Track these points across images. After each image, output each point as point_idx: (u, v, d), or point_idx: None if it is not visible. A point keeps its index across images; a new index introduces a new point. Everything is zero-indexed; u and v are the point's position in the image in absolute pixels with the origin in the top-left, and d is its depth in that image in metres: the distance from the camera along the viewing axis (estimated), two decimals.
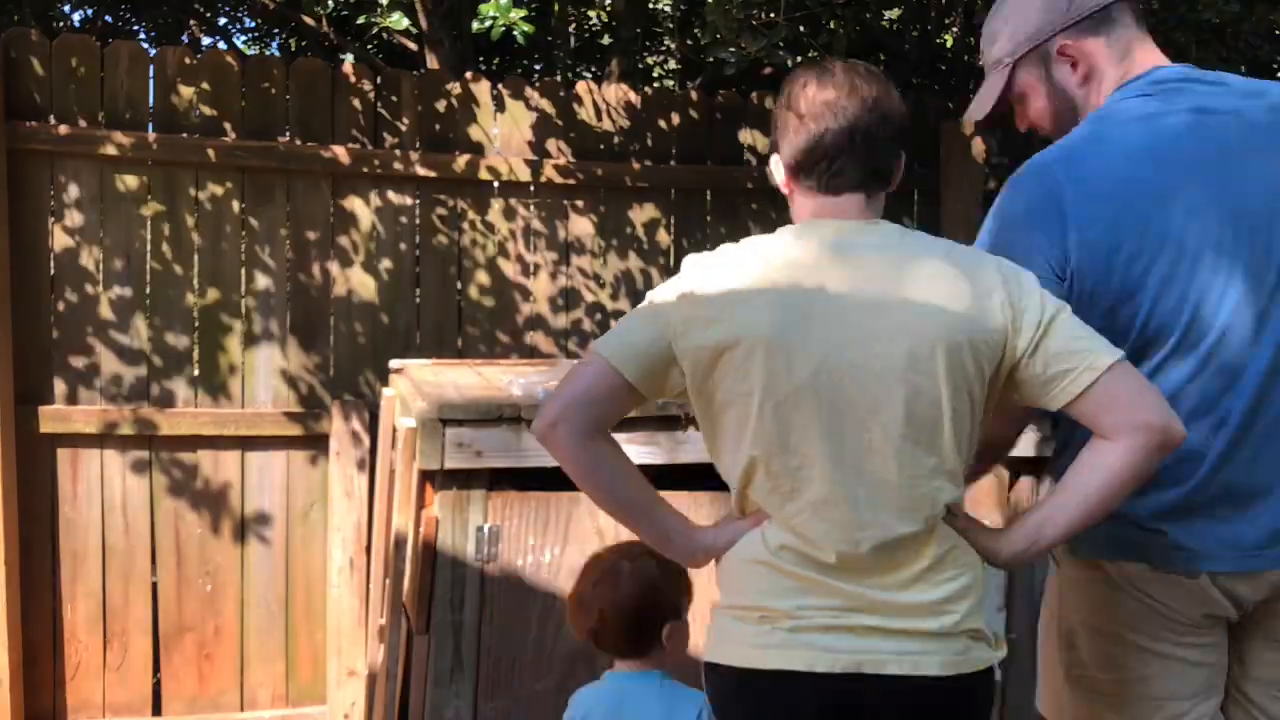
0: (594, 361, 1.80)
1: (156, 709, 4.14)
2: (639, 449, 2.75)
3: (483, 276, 4.41)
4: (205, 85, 4.13)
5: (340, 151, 4.23)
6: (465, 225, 4.40)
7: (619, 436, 2.57)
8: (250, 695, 4.23)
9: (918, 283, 1.77)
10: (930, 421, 1.75)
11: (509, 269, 4.45)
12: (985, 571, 1.83)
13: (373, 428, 4.13)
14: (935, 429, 1.75)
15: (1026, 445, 3.15)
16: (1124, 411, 1.74)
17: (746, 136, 4.68)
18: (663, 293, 1.85)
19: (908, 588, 1.76)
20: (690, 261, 1.88)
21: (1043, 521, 1.79)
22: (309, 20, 5.48)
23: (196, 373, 4.16)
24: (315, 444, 4.22)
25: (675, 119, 4.61)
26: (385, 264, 4.31)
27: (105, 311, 4.07)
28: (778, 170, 1.89)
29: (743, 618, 1.80)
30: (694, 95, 4.69)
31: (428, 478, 2.73)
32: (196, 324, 4.16)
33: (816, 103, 1.82)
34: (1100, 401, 1.75)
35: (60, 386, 4.03)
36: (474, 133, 4.41)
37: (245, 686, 4.22)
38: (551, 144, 4.47)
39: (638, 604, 2.22)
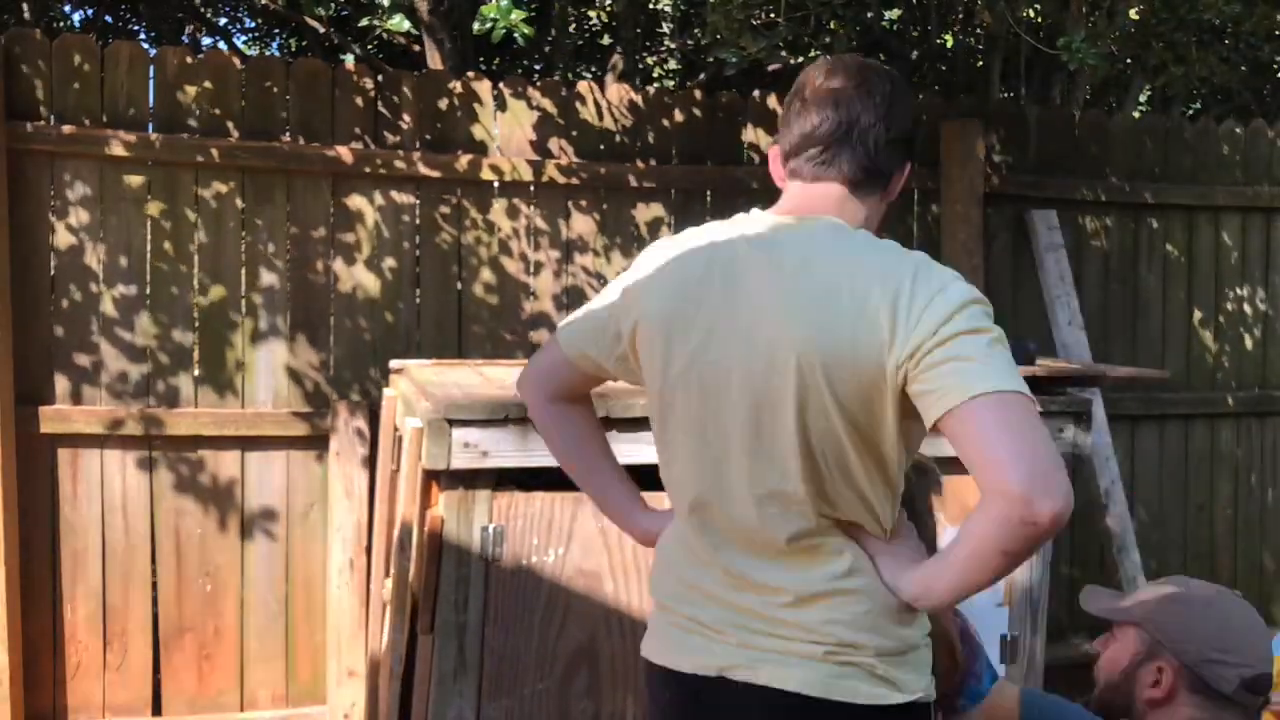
0: (550, 341, 1.95)
1: (156, 709, 4.14)
2: (647, 447, 2.75)
3: (484, 276, 4.41)
4: (206, 85, 4.12)
5: (341, 151, 4.22)
6: (467, 225, 4.40)
7: (622, 435, 2.58)
8: (250, 695, 4.22)
9: (808, 291, 1.64)
10: (772, 438, 1.65)
11: (511, 269, 4.44)
12: (883, 605, 1.68)
13: (373, 428, 4.12)
14: (780, 448, 1.65)
15: None
16: (979, 466, 1.49)
17: (747, 136, 4.69)
18: (619, 278, 1.89)
19: (778, 603, 1.68)
20: (648, 247, 1.89)
21: (930, 579, 1.63)
22: (309, 20, 5.48)
23: (197, 373, 4.15)
24: (315, 444, 4.22)
25: (676, 119, 4.61)
26: (386, 264, 4.31)
27: (106, 312, 4.06)
28: (775, 161, 1.84)
29: (654, 606, 1.85)
30: (695, 95, 4.69)
31: (433, 478, 2.73)
32: (197, 324, 4.15)
33: (822, 90, 1.76)
34: (957, 440, 1.52)
35: (61, 386, 4.02)
36: (475, 132, 4.40)
37: (245, 686, 4.21)
38: (554, 143, 4.47)
39: None
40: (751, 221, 1.80)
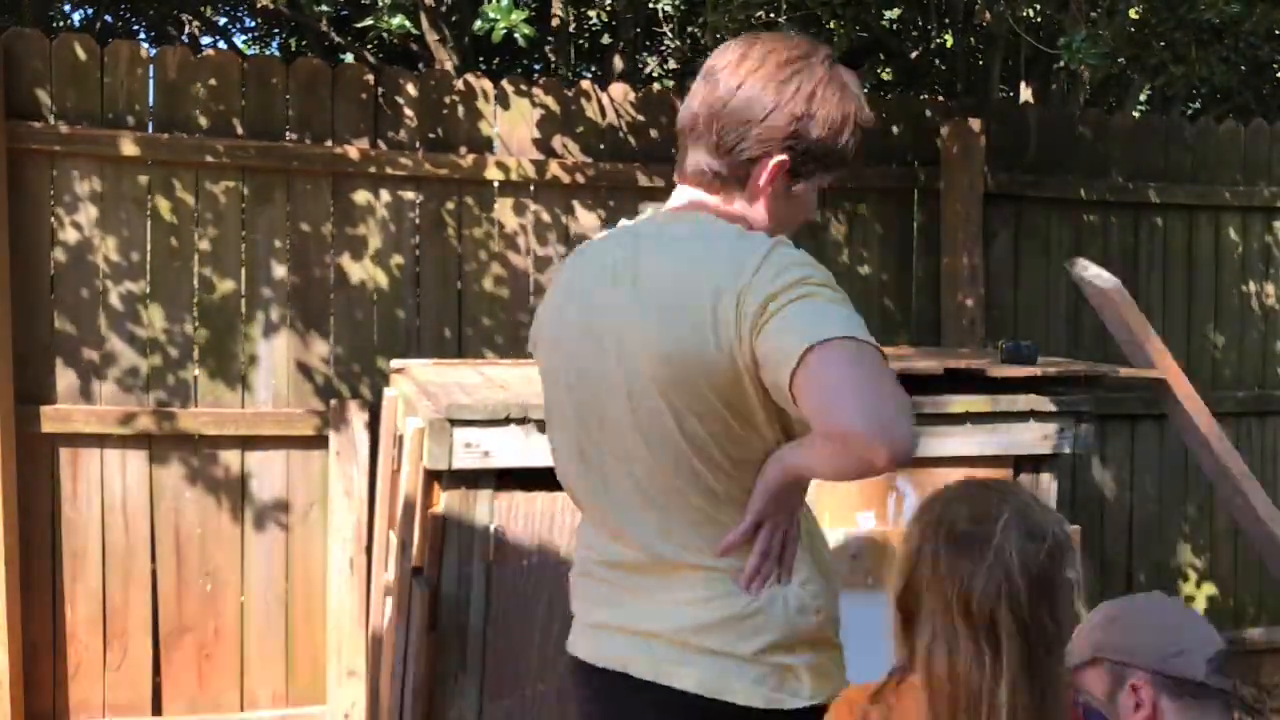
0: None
1: (156, 709, 4.14)
2: None
3: (486, 276, 4.41)
4: (206, 85, 4.12)
5: (342, 150, 4.22)
6: (469, 224, 4.40)
7: None
8: (250, 695, 4.22)
9: (657, 286, 1.61)
10: (628, 439, 1.65)
11: (512, 269, 4.44)
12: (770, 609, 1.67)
13: (374, 428, 4.12)
14: (630, 449, 1.65)
15: (1032, 441, 3.16)
16: (820, 411, 1.44)
17: None
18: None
19: (660, 601, 1.68)
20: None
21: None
22: (309, 20, 5.48)
23: (197, 373, 4.15)
24: (316, 443, 4.22)
25: (676, 119, 4.60)
26: (388, 263, 4.31)
27: (106, 312, 4.06)
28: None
29: None
30: None
31: (434, 477, 2.73)
32: (197, 324, 4.15)
33: (705, 68, 1.70)
34: (801, 396, 1.45)
35: (61, 386, 4.02)
36: (477, 131, 4.40)
37: (245, 686, 4.21)
38: (557, 141, 4.47)
39: None
40: (643, 217, 1.80)
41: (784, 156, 1.66)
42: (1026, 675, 1.52)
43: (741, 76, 1.65)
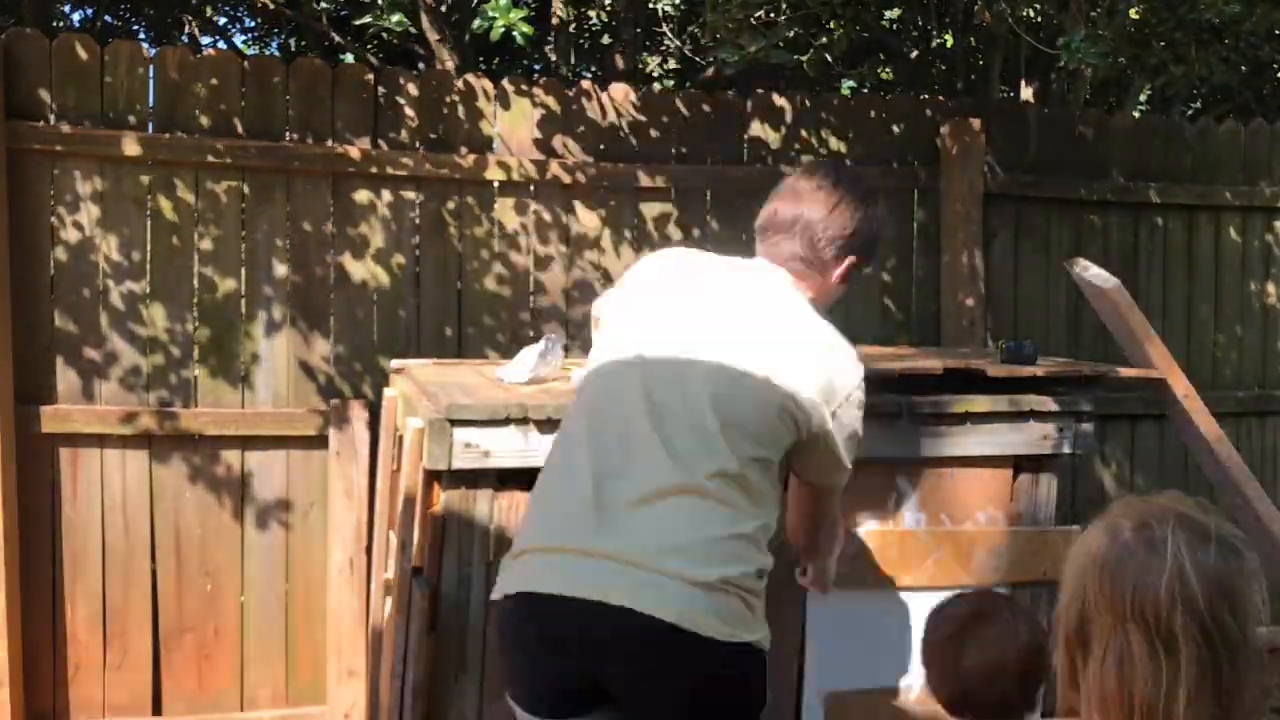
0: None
1: (156, 709, 4.14)
2: None
3: (486, 276, 4.41)
4: (206, 85, 4.12)
5: (342, 150, 4.22)
6: (469, 224, 4.40)
7: None
8: (250, 695, 4.22)
9: (768, 339, 2.33)
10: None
11: (513, 268, 4.44)
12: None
13: (374, 427, 4.12)
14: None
15: (1032, 441, 3.15)
16: (806, 530, 2.65)
17: (750, 134, 4.68)
18: None
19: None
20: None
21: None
22: (309, 20, 5.48)
23: (197, 373, 4.15)
24: (316, 443, 4.22)
25: (678, 118, 4.61)
26: (388, 263, 4.31)
27: (106, 312, 4.06)
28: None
29: None
30: (696, 94, 4.70)
31: (434, 478, 2.73)
32: (197, 324, 4.15)
33: (787, 185, 2.47)
34: (798, 500, 2.60)
35: (61, 386, 4.02)
36: (478, 130, 4.40)
37: (245, 686, 4.21)
38: (557, 141, 4.47)
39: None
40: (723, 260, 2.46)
41: (854, 258, 2.46)
42: (1207, 685, 1.38)
43: (830, 203, 2.39)
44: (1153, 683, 1.38)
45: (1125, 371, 3.54)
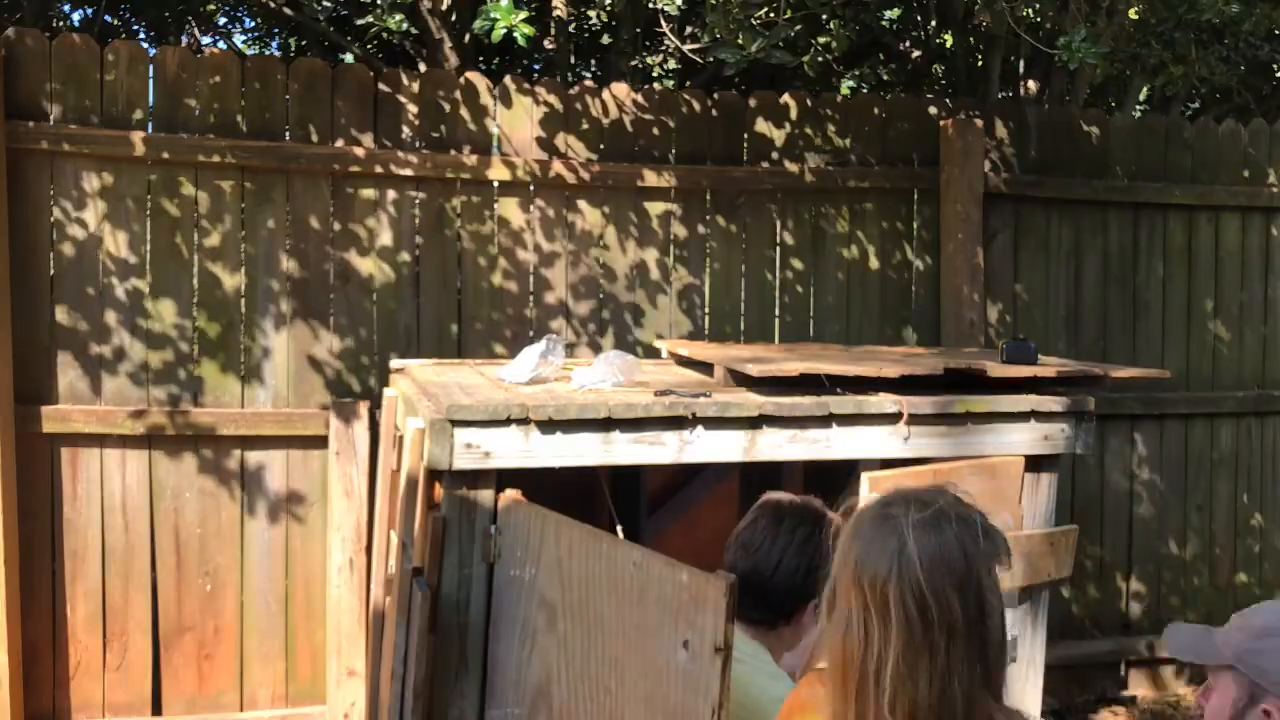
0: None
1: (156, 709, 4.13)
2: (646, 449, 2.75)
3: (487, 276, 4.40)
4: (206, 84, 4.12)
5: (344, 149, 4.22)
6: (471, 222, 4.39)
7: (625, 435, 2.57)
8: (250, 695, 4.22)
9: None
10: None
11: (513, 268, 4.44)
12: None
13: (373, 427, 4.12)
14: None
15: (1032, 441, 3.16)
16: None
17: (753, 133, 4.68)
18: None
19: None
20: None
21: None
22: (309, 20, 5.47)
23: (196, 373, 4.15)
24: (315, 443, 4.21)
25: (679, 118, 4.61)
26: (388, 263, 4.31)
27: (106, 312, 4.06)
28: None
29: None
30: (699, 93, 4.69)
31: (436, 478, 2.72)
32: (197, 325, 4.15)
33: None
34: None
35: (61, 386, 4.02)
36: (479, 130, 4.40)
37: (245, 686, 4.21)
38: (559, 140, 4.47)
39: None
40: None
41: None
42: (919, 657, 1.45)
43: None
44: (864, 645, 1.48)
45: (1125, 372, 3.54)
